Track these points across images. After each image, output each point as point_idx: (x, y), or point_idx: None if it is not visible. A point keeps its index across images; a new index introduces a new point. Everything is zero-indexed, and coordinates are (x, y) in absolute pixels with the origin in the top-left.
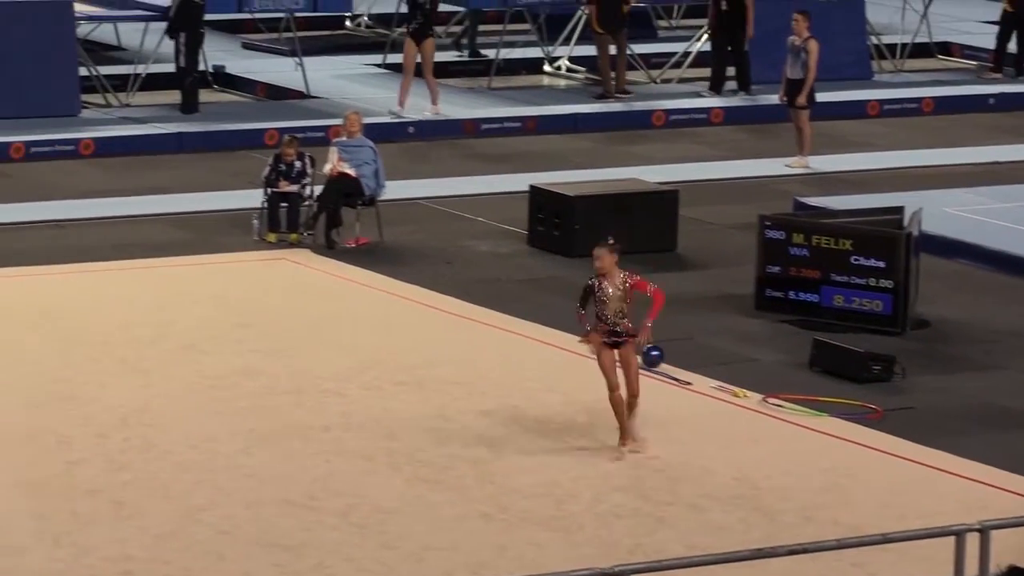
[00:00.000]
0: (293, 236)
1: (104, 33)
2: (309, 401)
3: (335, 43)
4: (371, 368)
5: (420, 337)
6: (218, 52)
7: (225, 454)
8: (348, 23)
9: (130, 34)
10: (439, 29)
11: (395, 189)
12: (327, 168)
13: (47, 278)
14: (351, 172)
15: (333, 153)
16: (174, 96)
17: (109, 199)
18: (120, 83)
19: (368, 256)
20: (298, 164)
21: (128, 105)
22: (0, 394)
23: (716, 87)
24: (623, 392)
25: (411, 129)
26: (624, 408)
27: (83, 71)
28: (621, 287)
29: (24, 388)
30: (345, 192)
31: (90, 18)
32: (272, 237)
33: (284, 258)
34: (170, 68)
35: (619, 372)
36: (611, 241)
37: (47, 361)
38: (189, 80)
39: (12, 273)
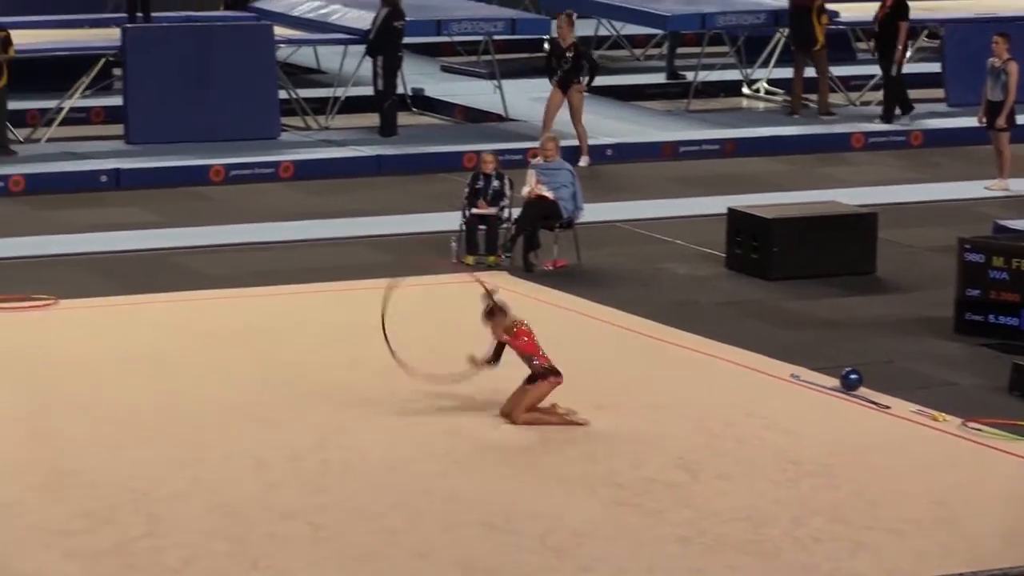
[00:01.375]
0: (491, 258)
1: (304, 56)
2: (506, 424)
3: (533, 65)
4: (568, 391)
5: (618, 359)
6: (417, 75)
7: (422, 476)
8: (546, 45)
9: (329, 57)
10: (637, 51)
11: (593, 212)
12: (525, 191)
13: (246, 300)
14: (549, 195)
15: (531, 176)
16: (373, 119)
17: (308, 221)
18: (319, 106)
19: (566, 278)
20: (496, 183)
21: (327, 128)
22: (197, 415)
23: (883, 114)
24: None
25: (609, 152)
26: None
27: (283, 94)
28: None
29: (221, 410)
30: (543, 215)
31: (290, 41)
32: (470, 259)
33: (482, 281)
34: (369, 91)
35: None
36: (486, 307)
37: (244, 383)
38: (388, 103)
39: (211, 295)
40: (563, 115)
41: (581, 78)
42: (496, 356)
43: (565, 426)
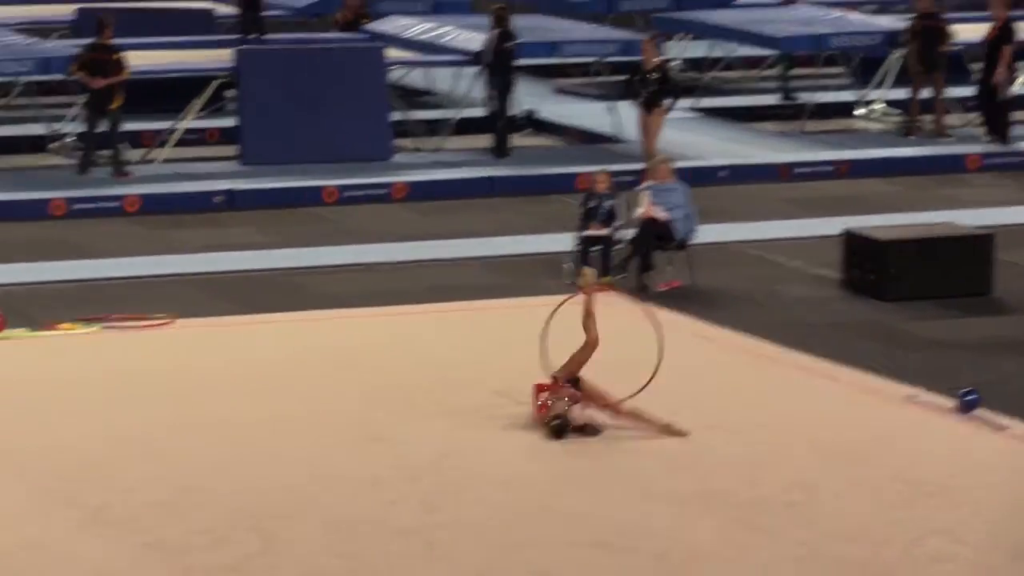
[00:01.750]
0: (605, 279)
1: (416, 78)
2: (620, 443)
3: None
4: (683, 410)
5: (731, 380)
6: (530, 96)
7: (539, 494)
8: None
9: (442, 79)
10: (751, 72)
11: (707, 233)
12: (639, 212)
13: (361, 321)
14: (663, 216)
15: (645, 197)
16: (486, 140)
17: (422, 242)
18: (433, 127)
19: (680, 299)
20: (609, 204)
21: (440, 149)
22: (313, 433)
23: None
24: None
25: (724, 173)
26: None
27: (396, 116)
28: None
29: (336, 429)
30: (657, 236)
31: (402, 63)
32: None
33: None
34: (482, 112)
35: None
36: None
37: (360, 402)
38: (501, 124)
39: (326, 316)
40: (670, 136)
41: (664, 101)
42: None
43: (665, 435)
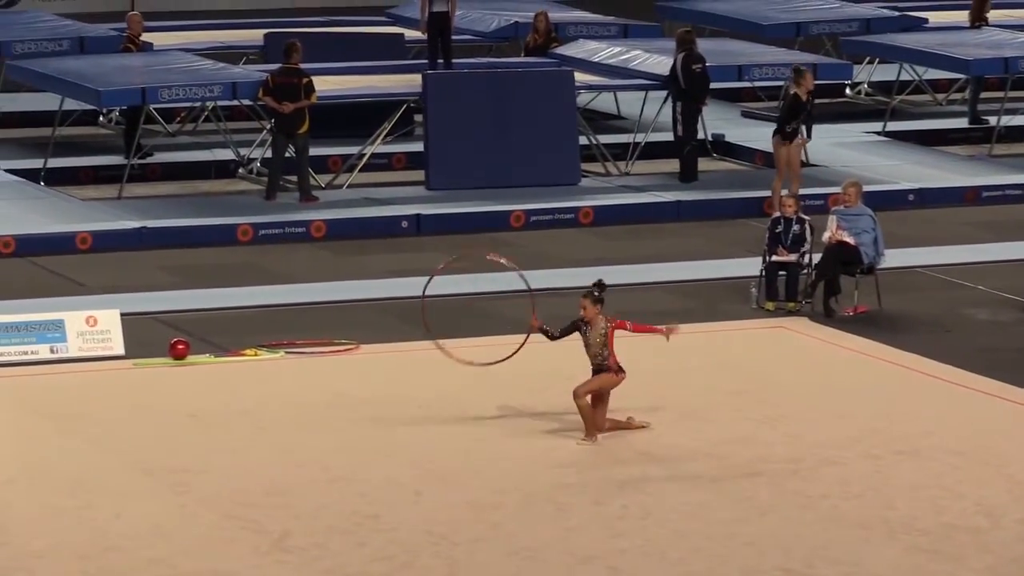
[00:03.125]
0: (791, 304)
1: (604, 102)
2: (806, 469)
3: (835, 111)
4: (869, 436)
5: (918, 406)
6: (717, 120)
7: (722, 521)
8: (848, 91)
9: (630, 103)
10: (939, 96)
11: (894, 257)
12: (826, 236)
13: (545, 345)
14: (850, 240)
15: (832, 221)
16: (673, 165)
17: (608, 267)
18: (620, 152)
19: (866, 324)
20: (796, 228)
21: (627, 174)
22: (497, 459)
23: None
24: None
25: (911, 197)
26: (585, 414)
27: (583, 140)
28: (602, 334)
29: (520, 455)
30: (844, 260)
31: (590, 87)
32: (771, 305)
33: (782, 326)
34: (669, 136)
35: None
36: (595, 292)
37: (542, 428)
38: (688, 148)
39: (510, 340)
40: (859, 159)
41: (802, 131)
42: (564, 333)
43: (625, 430)
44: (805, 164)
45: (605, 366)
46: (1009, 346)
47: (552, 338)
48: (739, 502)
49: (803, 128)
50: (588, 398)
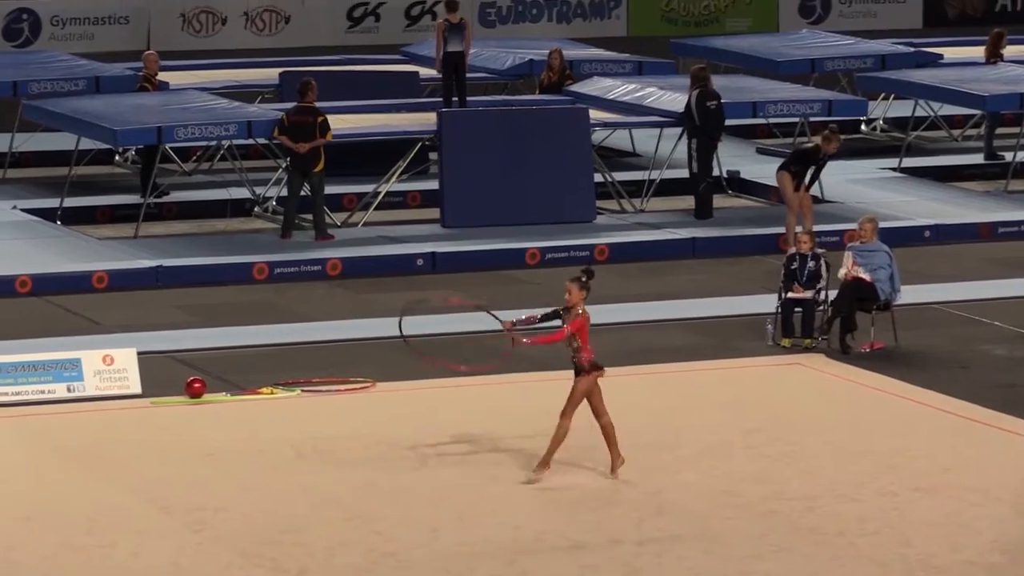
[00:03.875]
0: (807, 341)
1: (619, 139)
2: (822, 507)
3: (850, 147)
4: (886, 473)
5: (935, 442)
6: (732, 157)
7: (738, 559)
8: (863, 127)
9: (644, 140)
10: (955, 132)
11: (910, 293)
12: (842, 272)
13: (560, 383)
14: (866, 276)
15: (848, 258)
16: (688, 202)
17: (623, 304)
18: (635, 189)
19: (883, 361)
20: (811, 264)
21: (642, 211)
22: (511, 497)
23: None
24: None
25: (927, 233)
26: (557, 439)
27: (598, 177)
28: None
29: (534, 492)
30: (860, 297)
31: (605, 124)
32: (787, 342)
33: (798, 363)
34: (684, 173)
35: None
36: (582, 278)
37: (560, 465)
38: (703, 186)
39: (528, 378)
40: (874, 195)
41: (805, 180)
42: (546, 318)
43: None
44: (820, 200)
45: (576, 362)
46: None
47: (535, 322)
48: (755, 539)
49: (807, 178)
50: (570, 421)
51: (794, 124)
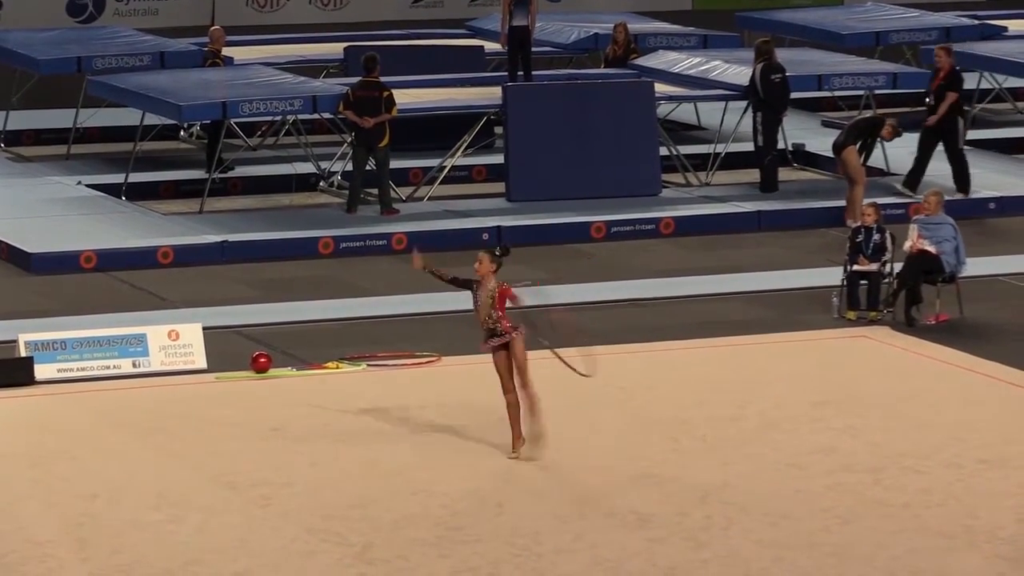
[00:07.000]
0: (873, 313)
1: (684, 112)
2: (888, 479)
3: (916, 119)
4: (951, 445)
5: (1001, 414)
6: (798, 130)
7: (805, 532)
8: (928, 100)
9: (710, 113)
10: (1020, 104)
11: (975, 266)
12: (907, 245)
13: (626, 356)
14: (931, 249)
15: (913, 230)
16: (753, 175)
17: (688, 277)
18: (700, 162)
19: (948, 333)
20: (876, 237)
21: (708, 184)
22: (578, 472)
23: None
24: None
25: (992, 205)
26: (518, 414)
27: (663, 150)
28: (491, 295)
29: (600, 466)
30: (925, 269)
31: (671, 98)
32: (852, 315)
33: (864, 335)
34: (749, 147)
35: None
36: (498, 251)
37: (625, 439)
38: (768, 159)
39: (591, 352)
40: (939, 168)
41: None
42: (456, 282)
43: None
44: (886, 173)
45: (499, 330)
46: None
47: (443, 279)
48: (821, 512)
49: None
50: (519, 393)
51: (859, 97)
